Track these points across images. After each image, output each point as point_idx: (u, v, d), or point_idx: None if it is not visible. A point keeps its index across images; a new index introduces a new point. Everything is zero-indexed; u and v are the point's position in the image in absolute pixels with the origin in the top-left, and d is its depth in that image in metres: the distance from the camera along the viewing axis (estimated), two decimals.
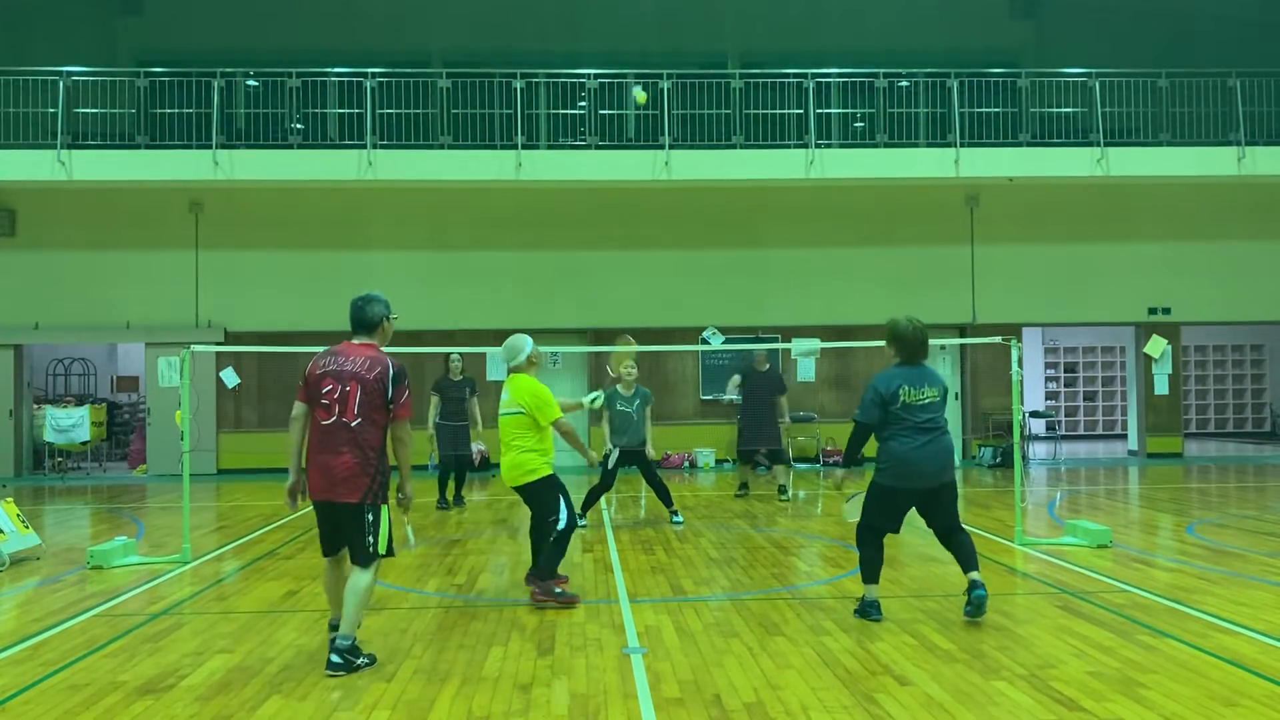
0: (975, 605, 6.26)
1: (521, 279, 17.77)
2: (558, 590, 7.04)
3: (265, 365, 17.15)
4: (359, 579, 5.50)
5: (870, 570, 6.54)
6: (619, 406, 10.63)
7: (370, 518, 5.49)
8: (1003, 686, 5.10)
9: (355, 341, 5.70)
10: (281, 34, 18.61)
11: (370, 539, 5.49)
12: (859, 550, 6.58)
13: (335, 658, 5.45)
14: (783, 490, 12.80)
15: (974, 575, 6.34)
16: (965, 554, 6.43)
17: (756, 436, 13.00)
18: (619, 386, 10.73)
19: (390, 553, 5.63)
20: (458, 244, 17.78)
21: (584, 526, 10.61)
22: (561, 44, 18.63)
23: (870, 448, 6.47)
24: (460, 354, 12.85)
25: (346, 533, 5.56)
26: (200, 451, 16.36)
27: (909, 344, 6.50)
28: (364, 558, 5.51)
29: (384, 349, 5.76)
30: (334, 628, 5.76)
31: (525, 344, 7.29)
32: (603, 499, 11.43)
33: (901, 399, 6.33)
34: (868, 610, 6.52)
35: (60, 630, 6.52)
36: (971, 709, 4.77)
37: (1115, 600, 6.94)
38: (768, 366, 13.33)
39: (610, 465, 10.59)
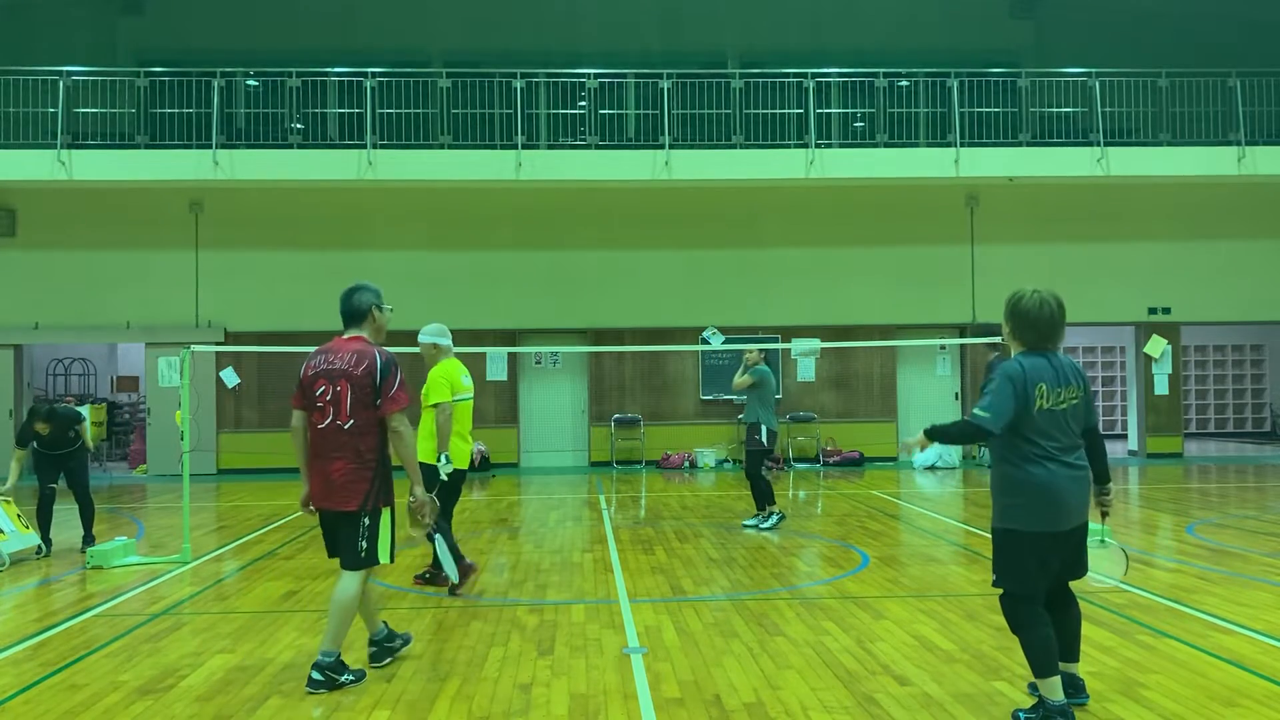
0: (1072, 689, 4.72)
1: (522, 279, 17.77)
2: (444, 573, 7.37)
3: (265, 365, 17.15)
4: (343, 590, 5.20)
5: (1040, 656, 4.47)
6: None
7: (367, 523, 5.18)
8: (1003, 686, 5.10)
9: (345, 336, 5.36)
10: (281, 34, 18.60)
11: (363, 543, 5.19)
12: (1015, 633, 4.60)
13: (316, 674, 5.13)
14: None
15: (1075, 670, 4.77)
16: (1071, 633, 4.72)
17: None
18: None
19: (390, 559, 5.35)
20: (458, 244, 17.78)
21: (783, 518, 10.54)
22: (561, 44, 18.63)
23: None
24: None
25: (340, 540, 5.26)
26: (200, 451, 16.36)
27: (1040, 325, 4.59)
28: (353, 562, 5.21)
29: (377, 343, 5.40)
30: (374, 641, 5.57)
31: (441, 334, 7.64)
32: (603, 499, 11.41)
33: (1038, 402, 4.48)
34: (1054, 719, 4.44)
35: (60, 630, 6.52)
36: (971, 709, 4.77)
37: (1115, 600, 6.94)
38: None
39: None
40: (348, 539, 5.22)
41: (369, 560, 5.24)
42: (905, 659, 5.61)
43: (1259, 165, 16.59)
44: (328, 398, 5.17)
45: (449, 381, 7.31)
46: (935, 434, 4.72)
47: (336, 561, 5.36)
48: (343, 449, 5.15)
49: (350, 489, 5.15)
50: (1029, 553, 4.50)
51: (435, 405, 7.27)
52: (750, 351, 10.64)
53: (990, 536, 4.72)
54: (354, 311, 5.37)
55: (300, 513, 5.56)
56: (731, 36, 18.96)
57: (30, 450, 9.67)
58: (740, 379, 10.45)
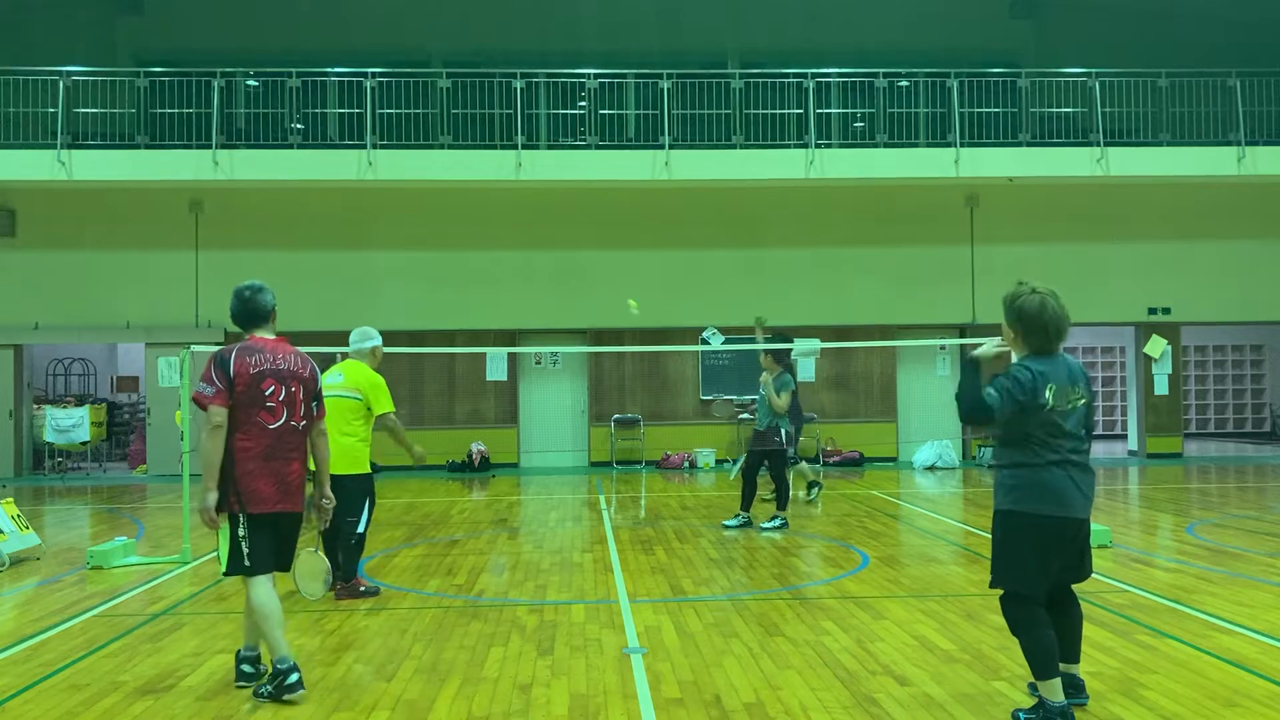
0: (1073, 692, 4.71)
1: (521, 279, 17.77)
2: (362, 589, 7.24)
3: None
4: (270, 596, 5.05)
5: (1041, 658, 4.44)
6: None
7: (303, 522, 5.30)
8: (1002, 687, 5.10)
9: (269, 336, 5.24)
10: (281, 34, 18.61)
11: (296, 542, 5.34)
12: (1015, 635, 4.57)
13: (296, 677, 4.95)
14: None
15: (1076, 671, 4.74)
16: (1072, 634, 4.70)
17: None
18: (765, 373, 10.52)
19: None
20: (458, 244, 17.78)
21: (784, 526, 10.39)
22: (561, 44, 18.64)
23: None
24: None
25: (290, 543, 5.25)
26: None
27: (1049, 327, 4.58)
28: (290, 565, 5.33)
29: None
30: (250, 659, 5.22)
31: (376, 336, 7.49)
32: (602, 499, 11.40)
33: (1050, 401, 4.47)
34: None
35: (60, 630, 6.52)
36: (971, 709, 4.77)
37: (1115, 600, 6.93)
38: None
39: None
40: (294, 541, 5.28)
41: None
42: (905, 659, 5.61)
43: (1259, 165, 16.59)
44: (280, 397, 5.10)
45: (384, 390, 7.32)
46: (966, 368, 4.73)
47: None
48: (298, 449, 5.19)
49: (302, 490, 5.21)
50: (1031, 541, 4.47)
51: (385, 414, 7.27)
52: (764, 358, 10.58)
53: (979, 531, 4.71)
54: (266, 311, 5.25)
55: (209, 526, 5.01)
56: (731, 36, 18.96)
57: None
58: (779, 400, 10.27)
